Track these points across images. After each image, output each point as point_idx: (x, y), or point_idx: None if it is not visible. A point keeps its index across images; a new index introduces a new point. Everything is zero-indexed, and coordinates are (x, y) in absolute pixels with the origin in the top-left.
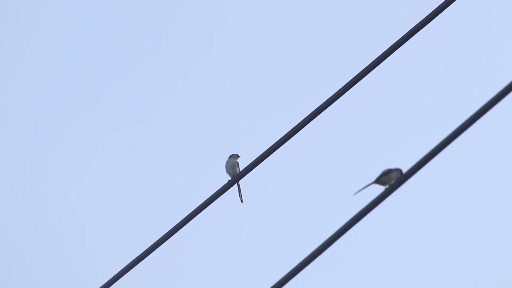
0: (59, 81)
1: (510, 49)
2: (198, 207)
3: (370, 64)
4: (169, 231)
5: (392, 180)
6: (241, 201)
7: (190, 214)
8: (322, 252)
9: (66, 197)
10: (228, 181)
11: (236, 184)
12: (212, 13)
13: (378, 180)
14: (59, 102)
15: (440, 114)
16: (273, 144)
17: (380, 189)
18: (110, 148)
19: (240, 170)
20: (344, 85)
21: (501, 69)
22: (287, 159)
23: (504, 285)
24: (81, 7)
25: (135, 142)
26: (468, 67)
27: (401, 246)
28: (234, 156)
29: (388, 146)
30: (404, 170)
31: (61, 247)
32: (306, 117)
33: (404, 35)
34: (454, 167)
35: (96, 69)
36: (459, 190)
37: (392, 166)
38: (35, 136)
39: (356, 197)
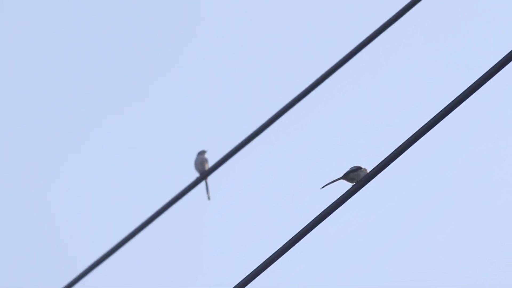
0: (37, 81)
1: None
2: (167, 203)
3: (330, 69)
4: (138, 227)
5: (360, 177)
6: (208, 198)
7: (158, 210)
8: (289, 249)
9: (44, 195)
10: (197, 177)
11: (204, 182)
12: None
13: (347, 176)
14: (36, 101)
15: (405, 111)
16: (241, 142)
17: (347, 185)
18: (82, 145)
19: (209, 167)
20: (309, 86)
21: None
22: (255, 156)
23: (471, 284)
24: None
25: (107, 139)
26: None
27: (366, 244)
28: (202, 153)
29: (352, 143)
30: (371, 167)
31: (37, 243)
32: (276, 113)
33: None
34: (424, 162)
35: (70, 69)
36: (427, 187)
37: (359, 163)
38: (12, 134)
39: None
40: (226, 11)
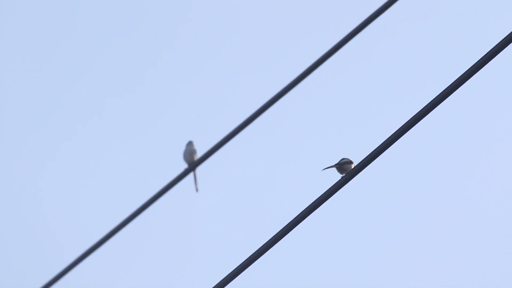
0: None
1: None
2: (155, 194)
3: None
4: (125, 219)
5: (349, 170)
6: (197, 190)
7: (146, 202)
8: (277, 241)
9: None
10: (185, 169)
11: (192, 173)
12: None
13: (342, 166)
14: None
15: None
16: (230, 133)
17: (335, 176)
18: (69, 138)
19: (198, 158)
20: (297, 77)
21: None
22: (243, 147)
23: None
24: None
25: (94, 131)
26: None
27: (355, 238)
28: (190, 144)
29: (342, 135)
30: (357, 161)
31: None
32: (264, 104)
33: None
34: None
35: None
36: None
37: (346, 156)
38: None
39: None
40: (211, 5)
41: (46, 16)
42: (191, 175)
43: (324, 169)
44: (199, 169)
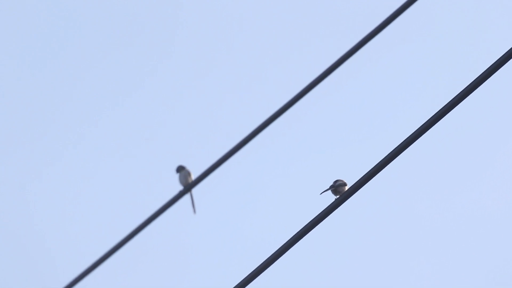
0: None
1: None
2: (150, 216)
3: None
4: (121, 240)
5: (343, 191)
6: (194, 212)
7: (142, 223)
8: (274, 261)
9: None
10: (180, 191)
11: (189, 195)
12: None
13: (337, 188)
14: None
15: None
16: (225, 154)
17: (330, 198)
18: (62, 156)
19: (193, 179)
20: (292, 98)
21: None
22: (239, 167)
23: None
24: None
25: (89, 151)
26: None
27: (349, 257)
28: (181, 168)
29: (338, 155)
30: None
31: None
32: (259, 125)
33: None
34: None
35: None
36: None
37: (340, 177)
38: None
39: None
40: (208, 20)
41: (44, 26)
42: (187, 197)
43: (322, 192)
44: (195, 190)
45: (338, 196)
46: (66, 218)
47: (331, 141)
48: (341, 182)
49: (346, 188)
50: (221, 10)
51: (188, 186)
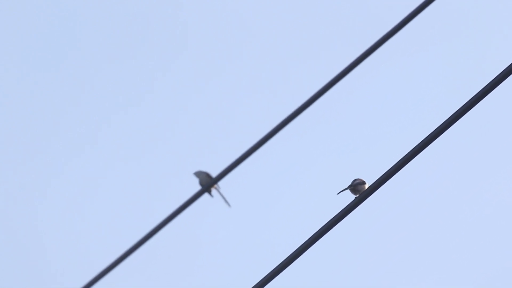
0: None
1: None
2: (170, 215)
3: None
4: (142, 237)
5: (363, 190)
6: (228, 205)
7: (162, 222)
8: (292, 261)
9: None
10: (201, 189)
11: (219, 193)
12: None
13: (355, 187)
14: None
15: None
16: (247, 150)
17: (349, 197)
18: (80, 157)
19: (213, 177)
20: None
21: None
22: (256, 168)
23: None
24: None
25: (104, 153)
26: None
27: (368, 259)
28: (199, 173)
29: (353, 155)
30: (371, 181)
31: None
32: (278, 124)
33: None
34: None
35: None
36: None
37: (359, 176)
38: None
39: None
40: (212, 34)
41: (43, 34)
42: (215, 194)
43: (339, 192)
44: (221, 183)
45: (357, 195)
46: (76, 222)
47: (350, 142)
48: (359, 180)
49: (366, 186)
50: (232, 11)
51: (209, 183)
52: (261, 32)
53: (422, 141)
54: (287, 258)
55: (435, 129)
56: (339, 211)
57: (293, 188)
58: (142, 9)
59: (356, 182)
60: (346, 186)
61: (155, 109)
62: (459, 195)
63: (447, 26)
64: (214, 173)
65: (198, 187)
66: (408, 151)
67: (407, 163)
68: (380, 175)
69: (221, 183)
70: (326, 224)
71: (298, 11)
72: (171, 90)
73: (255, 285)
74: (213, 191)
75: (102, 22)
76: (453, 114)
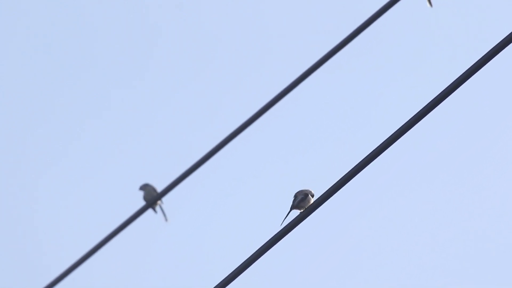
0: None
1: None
2: (114, 230)
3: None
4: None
5: (308, 203)
6: (166, 219)
7: (105, 238)
8: (236, 276)
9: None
10: (144, 205)
11: (159, 207)
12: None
13: (297, 206)
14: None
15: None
16: (191, 167)
17: (296, 212)
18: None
19: (158, 192)
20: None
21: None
22: (205, 181)
23: None
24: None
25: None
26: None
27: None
28: (144, 186)
29: (306, 161)
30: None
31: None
32: (233, 131)
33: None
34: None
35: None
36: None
37: (302, 187)
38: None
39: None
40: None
41: (39, 24)
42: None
43: (283, 221)
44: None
45: (302, 210)
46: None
47: (303, 146)
48: (302, 196)
49: (311, 198)
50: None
51: (152, 199)
52: (220, 31)
53: (367, 155)
54: (237, 268)
55: (388, 137)
56: (283, 226)
57: (239, 201)
58: (130, 4)
59: (298, 199)
60: (289, 209)
61: (112, 120)
62: (402, 204)
63: (425, 16)
64: (159, 188)
65: (142, 202)
66: (352, 166)
67: (353, 177)
68: (325, 190)
69: (165, 198)
70: (269, 240)
71: (257, 12)
72: (127, 103)
73: None
74: (157, 207)
75: (100, 20)
76: (400, 128)
